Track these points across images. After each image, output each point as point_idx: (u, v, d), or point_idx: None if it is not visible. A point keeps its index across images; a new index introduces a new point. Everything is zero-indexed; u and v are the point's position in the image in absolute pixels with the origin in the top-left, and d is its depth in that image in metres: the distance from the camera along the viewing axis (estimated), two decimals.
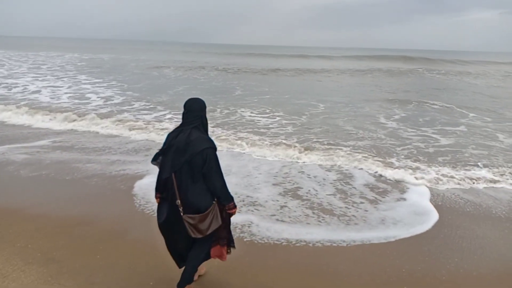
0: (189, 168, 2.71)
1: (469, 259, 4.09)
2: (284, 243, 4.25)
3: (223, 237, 3.06)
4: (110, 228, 4.42)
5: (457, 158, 8.12)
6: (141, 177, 6.26)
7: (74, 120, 10.44)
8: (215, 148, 2.79)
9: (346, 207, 5.38)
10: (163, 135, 9.03)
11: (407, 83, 25.09)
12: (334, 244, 4.30)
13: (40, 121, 10.33)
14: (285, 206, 5.34)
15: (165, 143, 2.85)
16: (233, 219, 3.21)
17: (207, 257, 3.11)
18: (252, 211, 5.15)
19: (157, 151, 2.92)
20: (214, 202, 2.82)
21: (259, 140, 8.98)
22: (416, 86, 23.44)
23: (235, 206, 2.90)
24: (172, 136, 2.81)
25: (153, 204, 5.15)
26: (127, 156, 7.53)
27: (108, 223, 4.56)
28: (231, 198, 2.87)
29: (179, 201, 2.72)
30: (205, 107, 2.91)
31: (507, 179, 6.87)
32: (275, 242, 4.28)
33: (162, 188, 2.85)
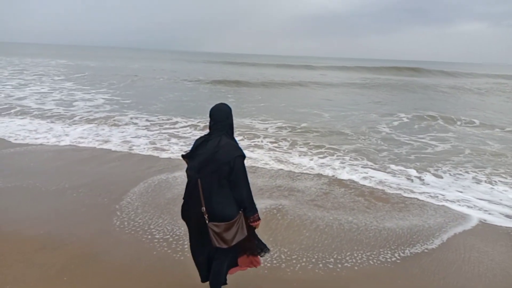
0: (216, 176, 2.63)
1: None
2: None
3: (250, 248, 2.91)
4: (79, 253, 3.81)
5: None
6: (135, 184, 5.90)
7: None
8: (244, 156, 2.70)
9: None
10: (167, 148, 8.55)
11: (413, 96, 24.95)
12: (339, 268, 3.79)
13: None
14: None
15: (192, 149, 2.77)
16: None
17: (231, 267, 2.96)
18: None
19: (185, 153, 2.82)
20: (240, 212, 2.72)
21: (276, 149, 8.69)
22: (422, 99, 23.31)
23: (259, 219, 2.79)
24: (200, 143, 2.73)
25: (135, 223, 4.59)
26: (129, 165, 7.07)
27: (78, 247, 3.95)
28: (255, 210, 2.76)
29: (204, 208, 2.63)
30: (231, 112, 2.80)
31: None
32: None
33: (188, 195, 2.76)
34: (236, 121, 11.12)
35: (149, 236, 4.27)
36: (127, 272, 3.53)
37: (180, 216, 2.89)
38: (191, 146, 2.83)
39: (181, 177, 6.24)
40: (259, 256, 2.97)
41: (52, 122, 10.64)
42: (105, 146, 8.30)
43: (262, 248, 2.96)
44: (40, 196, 5.34)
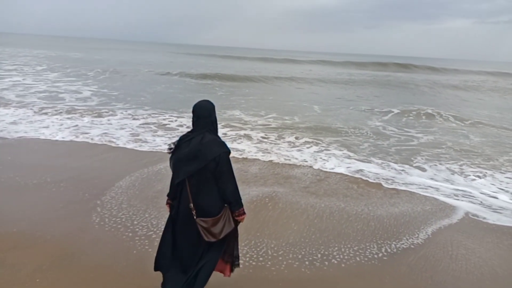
0: (203, 172, 2.65)
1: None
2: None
3: (229, 253, 2.95)
4: (52, 253, 3.61)
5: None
6: (121, 178, 5.72)
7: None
8: (229, 152, 2.73)
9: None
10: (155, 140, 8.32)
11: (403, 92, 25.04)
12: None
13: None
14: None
15: (176, 146, 2.76)
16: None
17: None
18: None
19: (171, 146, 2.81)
20: (225, 206, 2.76)
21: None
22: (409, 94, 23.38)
23: (244, 213, 2.81)
24: (184, 140, 2.72)
25: (116, 219, 4.40)
26: (115, 157, 6.88)
27: (52, 246, 3.74)
28: (241, 204, 2.79)
29: (192, 204, 2.66)
30: (214, 109, 2.81)
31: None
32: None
33: (174, 192, 2.81)
34: (225, 113, 10.99)
35: (130, 234, 4.10)
36: (104, 273, 3.35)
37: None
38: (176, 142, 2.78)
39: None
40: (231, 268, 2.98)
41: (35, 113, 10.24)
42: (90, 139, 8.03)
43: (237, 258, 2.97)
44: (18, 190, 5.10)
